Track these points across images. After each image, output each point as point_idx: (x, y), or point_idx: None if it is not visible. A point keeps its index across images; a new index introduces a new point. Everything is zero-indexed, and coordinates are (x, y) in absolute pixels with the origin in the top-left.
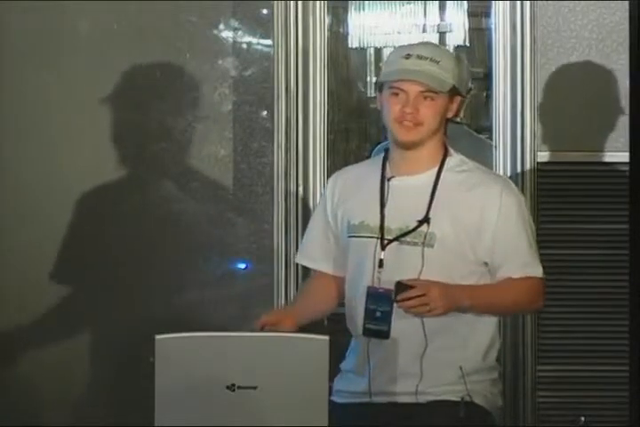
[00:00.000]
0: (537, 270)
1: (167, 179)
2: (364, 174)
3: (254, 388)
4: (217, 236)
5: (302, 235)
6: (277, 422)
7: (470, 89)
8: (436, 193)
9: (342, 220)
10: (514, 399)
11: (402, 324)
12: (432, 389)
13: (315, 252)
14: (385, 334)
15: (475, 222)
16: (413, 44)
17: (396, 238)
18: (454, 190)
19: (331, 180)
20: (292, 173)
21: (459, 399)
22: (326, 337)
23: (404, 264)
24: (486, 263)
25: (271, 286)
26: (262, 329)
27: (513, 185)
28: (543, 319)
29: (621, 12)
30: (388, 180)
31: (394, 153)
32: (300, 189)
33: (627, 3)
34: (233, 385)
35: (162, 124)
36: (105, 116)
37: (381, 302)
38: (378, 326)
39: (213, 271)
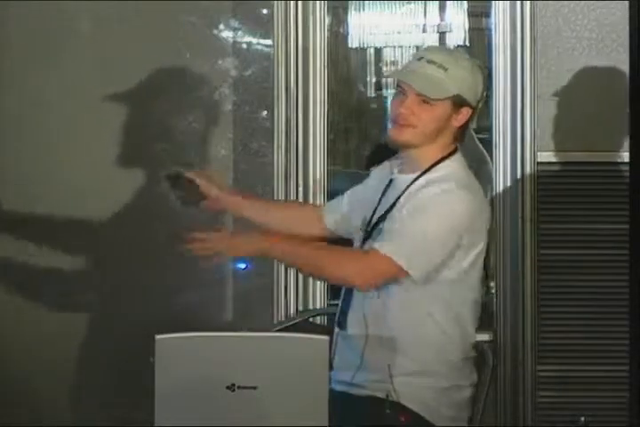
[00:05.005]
0: (392, 251)
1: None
2: (386, 170)
3: (254, 388)
4: None
5: None
6: (277, 422)
7: (483, 99)
8: (403, 195)
9: (359, 204)
10: (514, 399)
11: (352, 317)
12: (365, 383)
13: (331, 205)
14: (342, 325)
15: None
16: (433, 48)
17: (368, 234)
18: (411, 190)
19: (380, 165)
20: (292, 173)
21: (384, 397)
22: (326, 337)
23: None
24: None
25: (271, 286)
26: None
27: (458, 195)
28: (543, 319)
29: (621, 12)
30: (391, 178)
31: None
32: (300, 189)
33: (627, 3)
34: (233, 385)
35: (162, 124)
36: (105, 116)
37: (347, 295)
38: (342, 317)
39: (213, 271)
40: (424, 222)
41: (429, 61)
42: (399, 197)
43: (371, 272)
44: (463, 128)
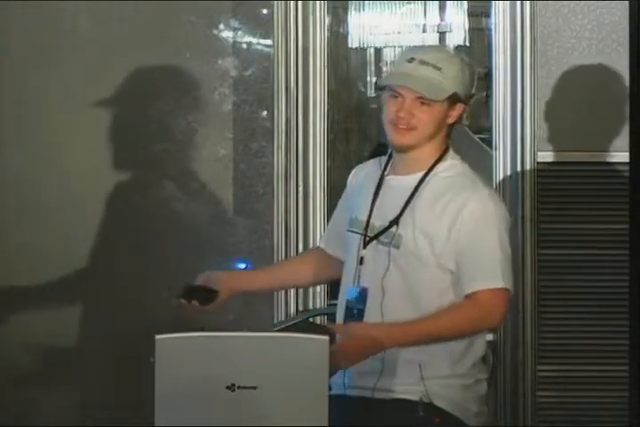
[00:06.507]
0: (495, 283)
1: (167, 179)
2: (373, 170)
3: (254, 388)
4: (217, 236)
5: (302, 235)
6: (277, 421)
7: (472, 95)
8: (414, 196)
9: (347, 212)
10: (514, 399)
11: (367, 320)
12: (392, 387)
13: (327, 234)
14: None
15: (434, 229)
16: (420, 48)
17: (374, 237)
18: (427, 195)
19: (352, 171)
20: (292, 173)
21: (417, 400)
22: (326, 337)
23: (377, 263)
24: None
25: None
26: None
27: (489, 197)
28: (543, 319)
29: (621, 12)
30: (384, 178)
31: (393, 153)
32: (300, 189)
33: (627, 3)
34: (233, 385)
35: (162, 124)
36: (105, 117)
37: (358, 300)
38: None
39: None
40: (489, 241)
41: (422, 62)
42: (409, 200)
43: (496, 310)
44: (454, 124)
